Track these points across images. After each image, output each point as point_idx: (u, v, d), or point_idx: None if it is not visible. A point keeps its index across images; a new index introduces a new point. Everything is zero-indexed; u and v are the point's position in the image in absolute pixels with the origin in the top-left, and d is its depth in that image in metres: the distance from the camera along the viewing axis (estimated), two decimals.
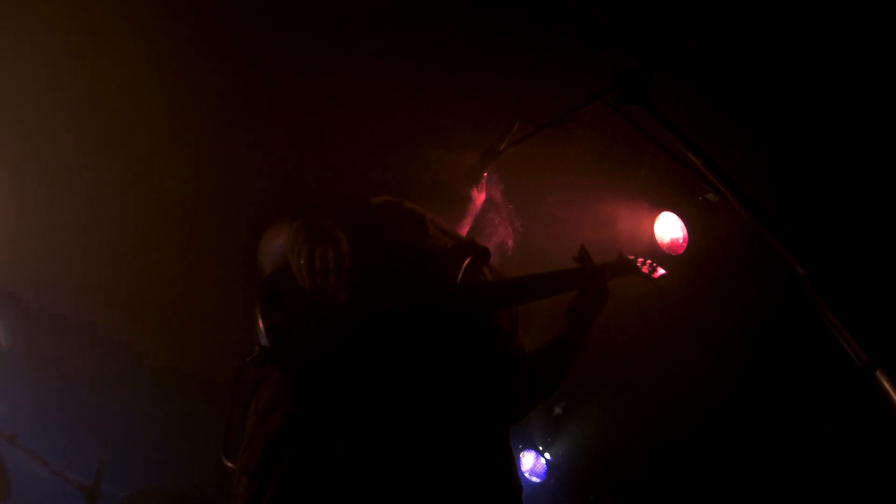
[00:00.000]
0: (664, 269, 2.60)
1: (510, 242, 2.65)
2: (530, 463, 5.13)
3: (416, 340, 1.85)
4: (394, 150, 3.50)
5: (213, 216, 4.06)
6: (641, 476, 4.58)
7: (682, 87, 3.29)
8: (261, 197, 3.86)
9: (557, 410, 5.01)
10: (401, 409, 1.74)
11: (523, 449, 5.14)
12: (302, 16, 3.41)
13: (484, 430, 1.92)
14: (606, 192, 3.82)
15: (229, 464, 1.64)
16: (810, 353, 3.50)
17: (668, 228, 3.65)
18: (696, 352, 3.99)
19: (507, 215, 2.67)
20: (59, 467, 3.63)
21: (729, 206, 1.33)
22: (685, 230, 3.63)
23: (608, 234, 3.70)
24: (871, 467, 3.41)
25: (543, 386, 2.27)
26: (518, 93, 3.49)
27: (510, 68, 3.52)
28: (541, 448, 5.15)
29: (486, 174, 2.51)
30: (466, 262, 2.10)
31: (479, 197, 2.55)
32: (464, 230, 2.51)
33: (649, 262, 2.59)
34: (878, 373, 1.03)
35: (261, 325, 1.69)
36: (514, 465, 1.98)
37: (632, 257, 2.56)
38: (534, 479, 5.11)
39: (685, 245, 3.60)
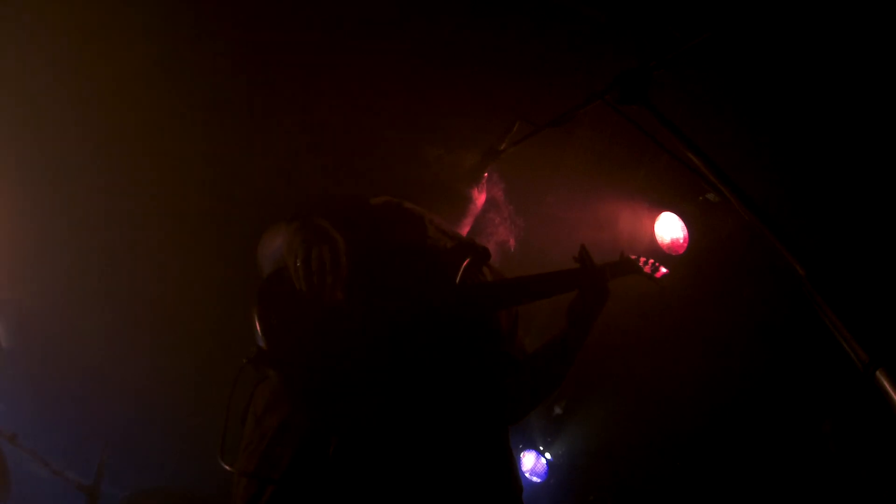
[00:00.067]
0: (666, 268, 2.60)
1: (511, 242, 2.65)
2: (531, 463, 5.13)
3: (415, 341, 1.85)
4: (394, 150, 3.50)
5: (212, 216, 4.06)
6: (641, 476, 4.58)
7: (682, 87, 3.29)
8: (261, 197, 3.86)
9: (557, 410, 5.01)
10: (400, 409, 1.74)
11: (524, 449, 5.14)
12: (302, 16, 3.41)
13: (484, 431, 1.92)
14: (607, 192, 3.81)
15: (226, 467, 1.63)
16: (810, 353, 3.49)
17: (669, 228, 3.66)
18: (696, 352, 3.98)
19: (508, 215, 2.67)
20: (59, 467, 3.63)
21: (729, 206, 1.33)
22: (685, 230, 3.63)
23: (608, 234, 3.70)
24: (871, 467, 3.41)
25: (543, 386, 2.26)
26: (518, 93, 3.49)
27: (510, 68, 3.52)
28: (541, 448, 5.15)
29: (486, 174, 2.51)
30: (466, 262, 2.10)
31: (480, 197, 2.55)
32: (464, 230, 2.51)
33: (651, 261, 2.58)
34: (878, 373, 1.03)
35: (258, 326, 1.69)
36: (514, 465, 1.98)
37: (634, 257, 2.56)
38: (534, 479, 5.11)
39: (685, 245, 3.60)
